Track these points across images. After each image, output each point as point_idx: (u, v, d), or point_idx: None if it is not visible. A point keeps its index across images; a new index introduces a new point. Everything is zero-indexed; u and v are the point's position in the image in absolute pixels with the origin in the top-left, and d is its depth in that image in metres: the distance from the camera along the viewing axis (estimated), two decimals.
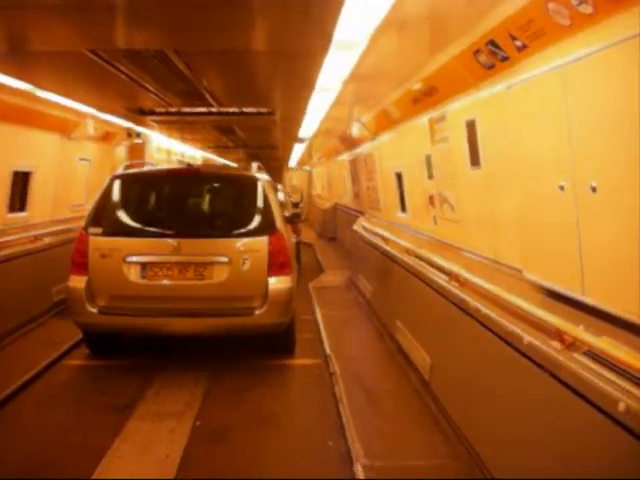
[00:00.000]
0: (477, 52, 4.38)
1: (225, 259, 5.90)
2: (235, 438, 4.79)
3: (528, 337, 3.46)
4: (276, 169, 21.28)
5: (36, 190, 7.90)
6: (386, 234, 7.65)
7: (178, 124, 9.13)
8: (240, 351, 6.72)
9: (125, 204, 6.34)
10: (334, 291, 9.50)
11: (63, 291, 8.15)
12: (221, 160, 19.80)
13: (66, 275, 6.10)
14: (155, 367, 6.18)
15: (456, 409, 4.63)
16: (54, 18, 4.06)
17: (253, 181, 6.40)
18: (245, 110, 7.66)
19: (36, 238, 7.61)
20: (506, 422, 3.75)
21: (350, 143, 10.68)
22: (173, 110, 7.70)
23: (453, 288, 4.89)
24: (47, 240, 7.89)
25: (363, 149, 9.77)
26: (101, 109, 7.73)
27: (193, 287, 5.91)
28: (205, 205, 6.76)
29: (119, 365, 6.33)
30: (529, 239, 4.22)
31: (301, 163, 21.68)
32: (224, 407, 5.36)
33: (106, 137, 9.15)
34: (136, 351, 6.81)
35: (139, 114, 7.91)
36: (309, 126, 9.33)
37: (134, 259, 5.90)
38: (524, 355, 3.49)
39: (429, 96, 5.76)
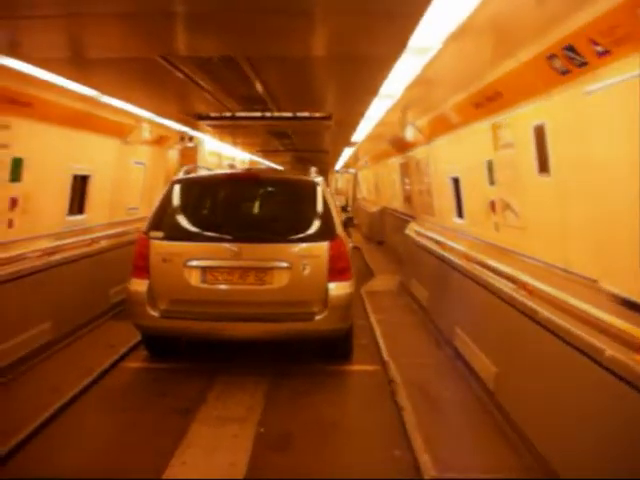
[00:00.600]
0: (551, 57, 4.30)
1: (285, 264, 5.90)
2: (299, 446, 4.76)
3: (610, 350, 3.37)
4: (322, 172, 21.29)
5: (94, 193, 8.03)
6: (442, 239, 7.57)
7: (231, 128, 9.18)
8: (297, 356, 6.71)
9: (186, 208, 6.39)
10: (386, 296, 9.43)
11: (120, 293, 8.36)
12: (267, 163, 19.89)
13: (126, 278, 6.17)
14: (214, 371, 6.21)
15: (525, 420, 4.53)
16: (128, 25, 4.11)
17: (312, 186, 6.40)
18: (301, 115, 7.66)
19: (93, 241, 7.71)
20: (583, 436, 3.66)
21: (402, 147, 10.62)
22: (228, 115, 7.74)
23: (521, 297, 4.80)
24: (104, 243, 7.99)
25: (416, 153, 9.69)
26: (160, 114, 7.82)
27: (253, 292, 5.92)
28: (265, 210, 6.77)
29: (178, 368, 6.37)
30: (605, 248, 4.12)
31: (346, 166, 21.65)
32: (286, 413, 5.35)
33: (160, 141, 9.26)
34: (193, 354, 6.84)
35: (196, 118, 7.98)
36: (362, 130, 9.30)
37: (195, 263, 5.93)
38: (605, 368, 3.39)
39: (493, 101, 5.68)
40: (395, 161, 12.05)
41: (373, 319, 7.93)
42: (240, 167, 8.15)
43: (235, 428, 5.03)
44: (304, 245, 6.03)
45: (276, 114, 7.48)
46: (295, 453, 4.66)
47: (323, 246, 5.98)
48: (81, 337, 7.13)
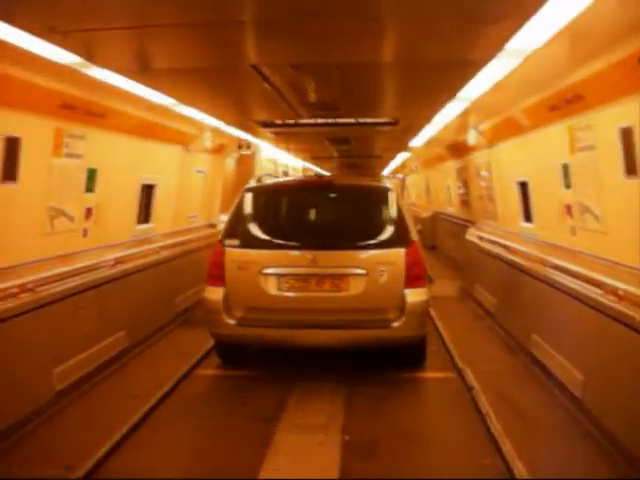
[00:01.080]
0: None
1: (362, 271, 5.88)
2: (386, 453, 4.71)
3: None
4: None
5: (159, 202, 8.12)
6: (510, 244, 7.48)
7: (291, 135, 9.19)
8: (368, 363, 6.67)
9: (260, 216, 6.42)
10: (449, 302, 9.34)
11: (185, 301, 8.45)
12: (317, 169, 19.89)
13: (196, 286, 6.21)
14: (289, 378, 6.19)
15: (618, 427, 4.43)
16: (201, 35, 4.13)
17: (385, 191, 6.38)
18: (368, 121, 7.65)
19: (161, 249, 7.80)
20: None
21: (459, 151, 10.54)
22: (291, 122, 7.76)
23: (611, 302, 4.71)
24: (169, 251, 8.07)
25: (475, 157, 9.61)
26: (227, 121, 7.85)
27: (330, 299, 5.92)
28: (339, 217, 6.74)
29: (252, 376, 6.38)
30: None
31: (394, 172, 21.55)
32: (367, 421, 5.30)
33: (219, 149, 9.33)
34: (265, 362, 6.83)
35: (260, 126, 8.01)
36: (424, 135, 9.24)
37: (271, 271, 5.95)
38: None
39: (572, 103, 5.59)
40: (450, 166, 11.97)
41: (440, 325, 7.86)
42: (293, 175, 8.10)
43: (320, 436, 5.01)
44: (380, 251, 6.01)
45: (342, 120, 7.47)
46: (383, 461, 4.61)
47: (399, 252, 5.95)
48: (151, 345, 7.19)
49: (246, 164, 10.93)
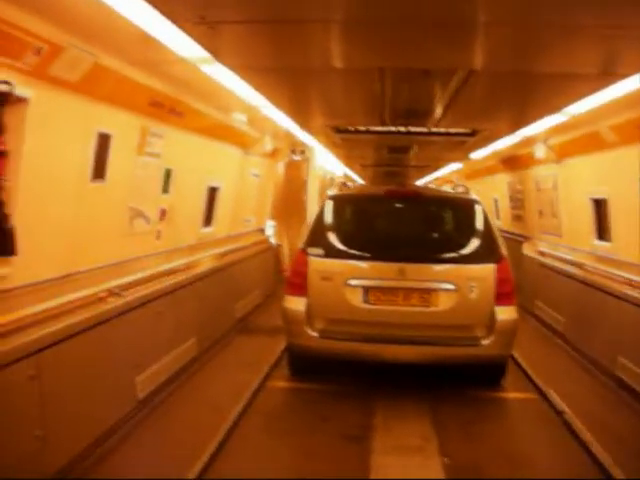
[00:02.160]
0: None
1: (451, 286, 5.67)
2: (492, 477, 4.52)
3: None
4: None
5: (221, 205, 7.90)
6: (587, 263, 7.27)
7: (354, 141, 8.94)
8: (444, 380, 6.44)
9: (344, 225, 6.23)
10: None
11: (243, 307, 8.23)
12: (352, 175, 19.62)
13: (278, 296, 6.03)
14: (365, 394, 6.00)
15: None
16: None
17: (472, 204, 6.18)
18: (447, 131, 7.44)
19: (222, 255, 7.58)
20: None
21: (514, 164, 10.36)
22: (363, 129, 7.55)
23: None
24: (231, 256, 7.86)
25: (537, 171, 9.42)
26: (303, 126, 7.63)
27: (417, 314, 5.71)
28: (426, 228, 6.54)
29: (325, 389, 6.15)
30: None
31: (432, 182, 21.22)
32: (462, 443, 5.08)
33: (273, 153, 9.12)
34: (336, 375, 6.58)
35: (335, 131, 7.80)
36: (493, 147, 9.03)
37: (356, 282, 5.74)
38: None
39: None
40: (500, 179, 11.76)
41: None
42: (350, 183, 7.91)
43: (418, 459, 4.80)
44: (470, 266, 5.81)
45: (418, 129, 7.25)
46: None
47: (490, 268, 5.76)
48: (217, 354, 6.96)
49: (296, 169, 10.72)
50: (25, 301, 4.20)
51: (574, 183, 8.01)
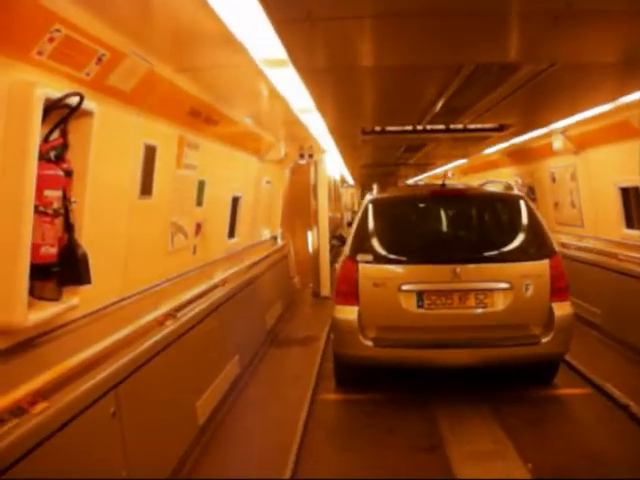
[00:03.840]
0: None
1: (506, 285, 5.52)
2: None
3: None
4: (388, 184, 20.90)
5: (242, 215, 7.64)
6: (621, 252, 7.20)
7: (372, 142, 8.74)
8: (488, 380, 6.28)
9: (389, 229, 6.02)
10: None
11: (271, 318, 7.99)
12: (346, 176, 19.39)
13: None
14: (422, 401, 5.81)
15: None
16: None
17: (517, 200, 6.03)
18: (476, 127, 7.29)
19: (250, 267, 7.32)
20: None
21: (522, 157, 10.28)
22: (392, 129, 7.37)
23: None
24: (258, 268, 7.62)
25: (551, 163, 9.35)
26: (332, 128, 7.38)
27: (473, 316, 5.55)
28: (474, 228, 6.38)
29: (378, 399, 5.94)
30: None
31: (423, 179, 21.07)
32: (537, 444, 4.91)
33: (283, 159, 8.88)
34: (382, 383, 6.39)
35: (362, 133, 7.60)
36: (514, 141, 8.90)
37: (410, 287, 5.55)
38: None
39: None
40: (507, 172, 11.67)
41: None
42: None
43: (500, 464, 4.64)
44: (524, 264, 5.66)
45: (449, 127, 7.10)
46: None
47: (544, 264, 5.62)
48: (257, 369, 6.68)
49: (301, 174, 10.48)
50: (91, 330, 3.92)
51: (597, 173, 7.94)
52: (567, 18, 3.19)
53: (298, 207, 11.17)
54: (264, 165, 8.33)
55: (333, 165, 12.28)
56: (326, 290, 10.42)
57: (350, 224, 12.08)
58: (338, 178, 15.30)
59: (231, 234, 7.41)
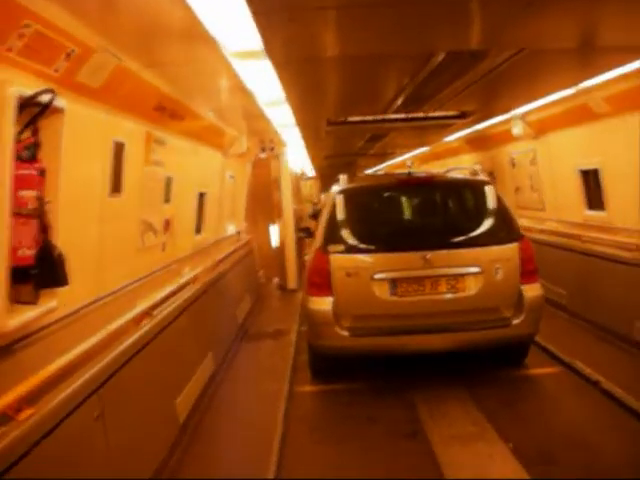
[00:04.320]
0: None
1: (477, 269, 5.60)
2: (564, 458, 4.41)
3: None
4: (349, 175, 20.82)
5: (208, 211, 7.55)
6: (584, 233, 7.37)
7: (336, 132, 8.70)
8: (459, 362, 6.38)
9: (360, 218, 6.01)
10: None
11: (241, 313, 7.94)
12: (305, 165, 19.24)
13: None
14: (394, 387, 5.90)
15: None
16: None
17: (484, 186, 6.11)
18: (436, 115, 7.33)
19: (218, 263, 7.25)
20: None
21: (484, 144, 10.41)
22: (356, 119, 7.36)
23: None
24: (225, 263, 7.56)
25: (511, 149, 9.50)
26: (298, 120, 7.32)
27: (445, 301, 5.60)
28: (442, 214, 6.43)
29: (355, 389, 5.97)
30: None
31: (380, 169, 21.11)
32: (516, 425, 5.00)
33: (246, 153, 8.81)
34: (355, 372, 6.42)
35: (327, 124, 7.57)
36: (475, 128, 8.98)
37: (383, 276, 5.57)
38: None
39: None
40: (466, 159, 11.80)
41: None
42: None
43: (482, 446, 4.71)
44: (494, 248, 5.74)
45: (412, 115, 7.13)
46: (568, 465, 4.32)
47: (513, 247, 5.72)
48: (231, 364, 6.62)
49: (262, 167, 10.41)
50: (69, 333, 3.84)
51: (557, 157, 8.10)
52: (539, 2, 3.22)
53: (260, 201, 11.12)
54: (227, 160, 8.25)
55: (295, 157, 12.24)
56: (293, 283, 10.41)
57: (313, 216, 12.12)
58: (299, 170, 15.27)
59: (198, 230, 7.33)
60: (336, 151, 13.43)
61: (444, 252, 5.66)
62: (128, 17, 3.55)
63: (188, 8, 3.15)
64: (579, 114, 7.01)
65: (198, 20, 3.31)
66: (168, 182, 5.83)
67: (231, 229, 9.28)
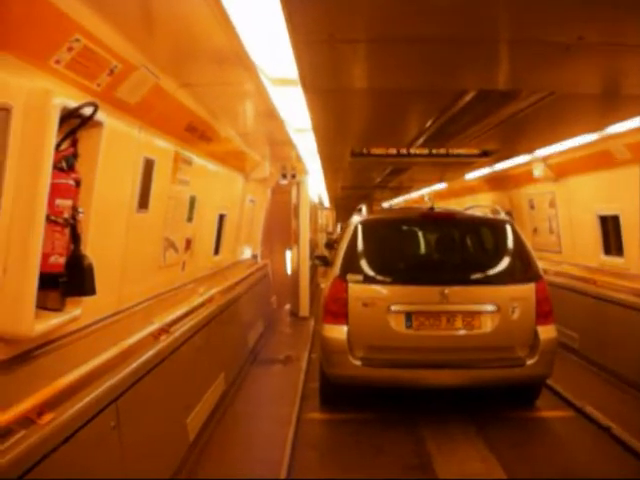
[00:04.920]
0: None
1: (494, 307, 5.61)
2: None
3: None
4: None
5: (227, 232, 7.63)
6: (601, 278, 7.36)
7: (358, 165, 8.82)
8: (470, 399, 6.35)
9: (379, 250, 6.06)
10: None
11: (253, 337, 7.95)
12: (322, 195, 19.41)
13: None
14: (407, 420, 5.85)
15: None
16: None
17: (504, 225, 6.14)
18: (460, 152, 7.42)
19: (234, 285, 7.28)
20: None
21: (504, 184, 10.47)
22: (380, 152, 7.46)
23: None
24: (241, 286, 7.59)
25: (529, 190, 9.56)
26: (322, 149, 7.43)
27: (461, 337, 5.61)
28: (462, 250, 6.48)
29: (364, 419, 5.95)
30: None
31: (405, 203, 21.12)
32: (525, 467, 4.97)
33: (267, 178, 8.90)
34: (365, 403, 6.40)
35: (351, 155, 7.67)
36: (498, 167, 9.07)
37: (399, 308, 5.60)
38: None
39: None
40: (483, 198, 11.85)
41: None
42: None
43: None
44: (511, 287, 5.77)
45: (434, 151, 7.23)
46: None
47: (530, 287, 5.74)
48: (241, 387, 6.62)
49: (282, 193, 10.51)
50: (90, 343, 3.88)
51: (576, 201, 8.14)
52: (575, 47, 3.30)
53: (277, 226, 11.21)
54: (249, 184, 8.35)
55: (313, 187, 12.35)
56: (305, 310, 10.42)
57: (328, 245, 12.16)
58: (316, 200, 15.38)
59: (216, 251, 7.39)
60: (354, 183, 13.56)
61: (461, 288, 5.69)
62: (170, 36, 3.67)
63: (231, 31, 3.24)
64: (600, 160, 7.07)
65: (239, 44, 3.40)
66: (192, 201, 5.90)
67: (248, 252, 9.35)
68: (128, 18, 3.25)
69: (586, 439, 5.56)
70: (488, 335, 5.60)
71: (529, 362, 5.61)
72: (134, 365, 3.84)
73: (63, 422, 2.90)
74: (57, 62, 3.06)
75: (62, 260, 3.27)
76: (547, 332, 5.71)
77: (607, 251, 7.60)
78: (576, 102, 5.12)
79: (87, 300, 3.66)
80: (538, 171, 8.27)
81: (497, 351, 5.66)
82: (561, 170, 8.15)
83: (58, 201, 3.20)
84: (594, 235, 7.73)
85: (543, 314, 5.72)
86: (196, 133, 5.42)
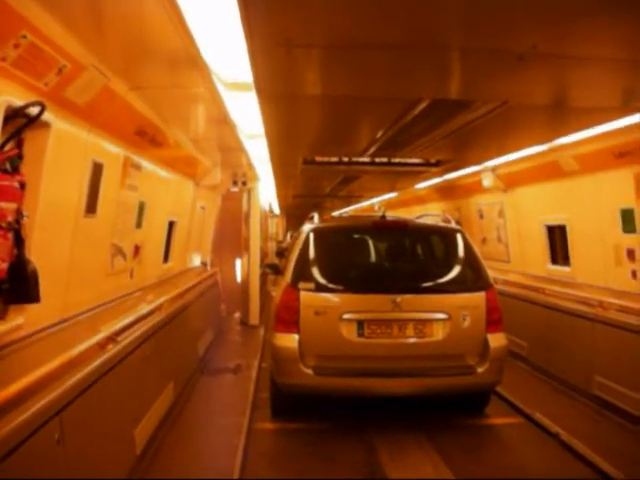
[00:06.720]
0: None
1: (445, 316, 5.65)
2: None
3: None
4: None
5: (176, 239, 7.49)
6: (549, 287, 7.49)
7: (310, 172, 8.77)
8: (421, 407, 6.40)
9: (331, 258, 6.03)
10: None
11: (202, 346, 7.82)
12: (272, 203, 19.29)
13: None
14: (352, 429, 5.86)
15: None
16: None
17: (456, 234, 6.20)
18: (411, 161, 7.46)
19: (183, 293, 7.14)
20: None
21: (453, 193, 10.59)
22: (334, 160, 7.44)
23: None
24: (191, 294, 7.45)
25: (479, 200, 9.69)
26: (274, 156, 7.36)
27: (412, 345, 5.62)
28: (414, 259, 6.50)
29: (315, 428, 5.91)
30: None
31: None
32: (479, 473, 5.02)
33: (218, 185, 8.78)
34: (315, 412, 6.35)
35: (303, 163, 7.62)
36: (447, 177, 9.16)
37: (351, 316, 5.57)
38: None
39: None
40: (433, 208, 11.95)
41: None
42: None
43: None
44: (462, 295, 5.82)
45: (384, 160, 7.24)
46: None
47: (480, 296, 5.80)
48: (191, 397, 6.48)
49: (232, 200, 10.40)
50: (33, 352, 3.72)
51: (524, 211, 8.29)
52: (528, 58, 3.34)
53: (227, 234, 11.09)
54: (199, 190, 8.23)
55: (264, 194, 12.29)
56: (255, 319, 10.32)
57: (279, 254, 12.08)
58: (267, 207, 15.30)
59: (166, 258, 7.24)
60: (305, 191, 13.54)
61: (413, 296, 5.71)
62: (121, 36, 3.56)
63: (186, 33, 3.17)
64: (549, 171, 7.21)
65: (194, 46, 3.33)
66: (141, 207, 5.76)
67: (197, 260, 9.21)
68: (78, 16, 3.15)
69: (535, 445, 5.64)
70: (439, 343, 5.63)
71: (479, 370, 5.66)
72: (79, 375, 3.70)
73: (3, 436, 2.77)
74: (3, 59, 2.93)
75: (5, 266, 3.13)
76: (497, 340, 5.78)
77: (554, 260, 7.76)
78: (528, 113, 5.21)
79: (31, 308, 3.53)
80: (487, 181, 8.39)
81: (448, 359, 5.69)
82: (510, 180, 8.29)
83: (1, 204, 3.06)
84: (541, 245, 7.88)
85: (493, 322, 5.79)
86: (146, 137, 5.30)
